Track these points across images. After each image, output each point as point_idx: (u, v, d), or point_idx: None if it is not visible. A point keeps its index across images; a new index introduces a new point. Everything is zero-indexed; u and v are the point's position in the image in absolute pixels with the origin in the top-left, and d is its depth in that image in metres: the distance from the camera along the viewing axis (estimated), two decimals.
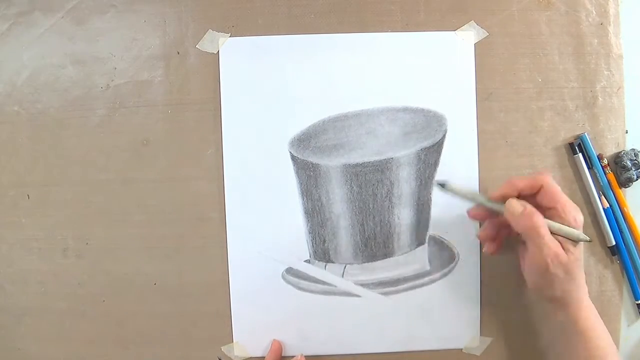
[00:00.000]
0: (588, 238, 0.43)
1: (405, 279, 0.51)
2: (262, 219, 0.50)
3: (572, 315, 0.43)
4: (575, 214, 0.43)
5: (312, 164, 0.50)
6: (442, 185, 0.47)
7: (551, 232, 0.43)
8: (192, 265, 0.50)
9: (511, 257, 0.48)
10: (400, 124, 0.50)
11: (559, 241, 0.43)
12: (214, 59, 0.50)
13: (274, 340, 0.50)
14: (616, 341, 0.51)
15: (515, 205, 0.44)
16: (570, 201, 0.44)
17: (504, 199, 0.44)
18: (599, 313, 0.44)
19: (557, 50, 0.51)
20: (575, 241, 0.43)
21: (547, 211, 0.44)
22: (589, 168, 0.50)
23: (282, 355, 0.50)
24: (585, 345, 0.43)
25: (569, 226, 0.43)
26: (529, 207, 0.43)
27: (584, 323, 0.43)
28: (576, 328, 0.43)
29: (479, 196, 0.46)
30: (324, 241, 0.51)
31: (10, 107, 0.51)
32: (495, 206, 0.45)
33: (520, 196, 0.44)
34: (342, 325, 0.51)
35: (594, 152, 0.50)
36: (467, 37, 0.50)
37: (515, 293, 0.50)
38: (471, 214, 0.47)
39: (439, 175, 0.50)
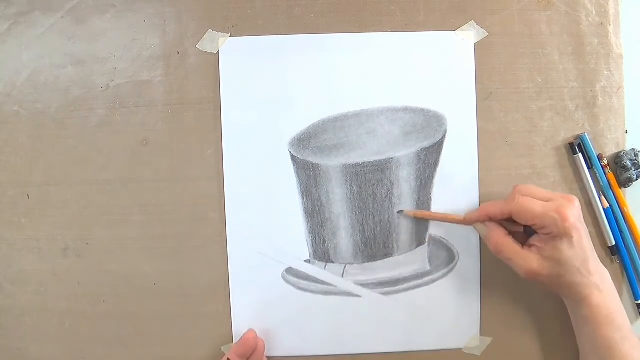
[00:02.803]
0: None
1: (405, 279, 0.51)
2: (262, 219, 0.50)
3: (577, 306, 0.44)
4: (558, 215, 0.41)
5: (312, 164, 0.50)
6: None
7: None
8: (192, 265, 0.50)
9: None
10: (400, 124, 0.50)
11: (540, 247, 0.43)
12: (214, 59, 0.50)
13: (250, 330, 0.50)
14: None
15: (480, 230, 0.46)
16: (548, 206, 0.42)
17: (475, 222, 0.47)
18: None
19: (557, 50, 0.51)
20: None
21: (527, 228, 0.44)
22: (589, 168, 0.50)
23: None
24: (596, 337, 0.42)
25: (553, 233, 0.42)
26: (491, 230, 0.45)
27: (594, 317, 0.42)
28: (584, 320, 0.43)
29: (442, 216, 0.49)
30: (324, 241, 0.51)
31: (10, 107, 0.51)
32: (460, 223, 0.48)
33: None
34: (342, 325, 0.51)
35: (594, 152, 0.50)
36: (467, 37, 0.50)
37: (515, 293, 0.51)
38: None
39: (439, 175, 0.50)
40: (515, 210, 0.43)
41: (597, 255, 0.44)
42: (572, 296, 0.43)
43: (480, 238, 0.50)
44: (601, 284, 0.43)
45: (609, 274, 0.44)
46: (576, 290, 0.43)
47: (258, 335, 0.49)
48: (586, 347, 0.45)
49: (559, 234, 0.42)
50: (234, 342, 0.50)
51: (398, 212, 0.50)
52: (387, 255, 0.51)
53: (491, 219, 0.45)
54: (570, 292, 0.43)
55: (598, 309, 0.42)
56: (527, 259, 0.43)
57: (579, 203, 0.43)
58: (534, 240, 0.44)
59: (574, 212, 0.42)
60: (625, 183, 0.50)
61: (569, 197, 0.43)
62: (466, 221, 0.47)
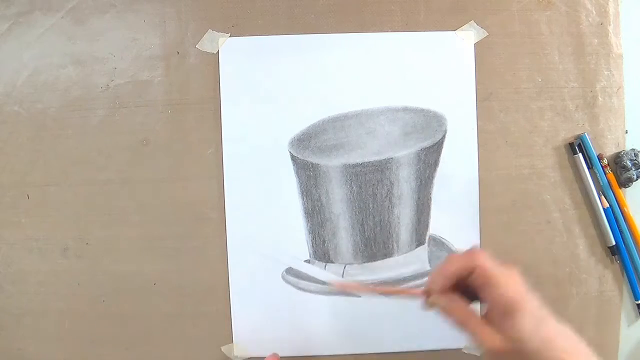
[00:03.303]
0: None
1: (405, 279, 0.51)
2: (262, 219, 0.50)
3: None
4: (514, 285, 0.37)
5: (312, 164, 0.50)
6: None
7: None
8: (192, 265, 0.50)
9: (510, 256, 0.48)
10: (400, 124, 0.50)
11: (492, 321, 0.38)
12: (214, 59, 0.50)
13: (273, 354, 0.48)
14: (616, 341, 0.51)
15: (440, 301, 0.40)
16: (503, 276, 0.38)
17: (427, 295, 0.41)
18: (599, 313, 0.43)
19: (557, 50, 0.51)
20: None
21: (482, 290, 0.38)
22: (589, 168, 0.50)
23: (282, 355, 0.50)
24: None
25: (504, 302, 0.37)
26: (455, 303, 0.39)
27: None
28: None
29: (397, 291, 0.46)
30: (324, 241, 0.51)
31: (10, 107, 0.51)
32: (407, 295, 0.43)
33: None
34: (342, 325, 0.51)
35: (594, 152, 0.50)
36: (467, 37, 0.50)
37: None
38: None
39: (440, 175, 0.50)
40: (479, 267, 0.38)
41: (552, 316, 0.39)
42: None
43: (479, 239, 0.50)
44: (565, 344, 0.38)
45: (571, 332, 0.39)
46: (542, 357, 0.37)
47: (257, 335, 0.50)
48: None
49: (511, 303, 0.37)
50: (234, 342, 0.50)
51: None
52: (387, 255, 0.51)
53: (450, 283, 0.39)
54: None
55: None
56: (491, 335, 0.38)
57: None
58: (489, 315, 0.39)
59: (521, 283, 0.38)
60: (625, 183, 0.50)
61: (510, 270, 0.39)
62: (428, 293, 0.40)
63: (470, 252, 0.39)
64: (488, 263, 0.38)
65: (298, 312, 0.51)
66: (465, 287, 0.39)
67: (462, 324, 0.39)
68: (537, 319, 0.38)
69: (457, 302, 0.40)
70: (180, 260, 0.50)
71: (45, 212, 0.51)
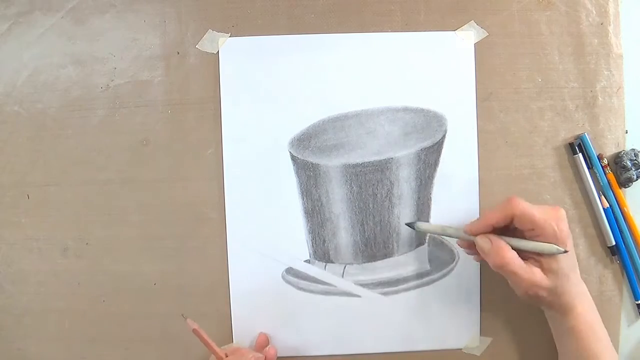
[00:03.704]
0: (562, 249, 0.41)
1: (405, 279, 0.51)
2: (262, 219, 0.50)
3: (564, 318, 0.44)
4: (556, 225, 0.41)
5: (312, 164, 0.50)
6: (412, 226, 0.48)
7: (527, 252, 0.42)
8: (192, 265, 0.50)
9: None
10: (400, 124, 0.50)
11: (537, 260, 0.42)
12: (214, 59, 0.50)
13: (261, 333, 0.50)
14: (616, 341, 0.51)
15: (482, 244, 0.43)
16: (547, 213, 0.42)
17: (476, 234, 0.44)
18: (599, 313, 0.44)
19: (557, 50, 0.51)
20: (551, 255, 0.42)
21: (527, 232, 0.43)
22: (589, 168, 0.50)
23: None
24: (578, 348, 0.43)
25: (548, 241, 0.42)
26: (496, 244, 0.42)
27: (578, 327, 0.43)
28: (569, 331, 0.43)
29: (452, 231, 0.46)
30: (324, 241, 0.51)
31: (10, 107, 0.51)
32: (467, 237, 0.45)
33: (495, 229, 0.43)
34: (342, 325, 0.51)
35: (594, 152, 0.50)
36: (467, 37, 0.50)
37: (515, 293, 0.50)
38: (458, 244, 0.48)
39: (439, 175, 0.50)
40: (518, 213, 0.42)
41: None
42: (561, 307, 0.43)
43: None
44: (583, 293, 0.44)
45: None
46: (566, 300, 0.43)
47: (257, 335, 0.50)
48: (569, 358, 0.45)
49: (555, 242, 0.41)
50: (234, 342, 0.50)
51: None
52: (387, 255, 0.51)
53: (494, 229, 0.44)
54: (560, 303, 0.43)
55: (583, 319, 0.43)
56: (531, 271, 0.42)
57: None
58: (529, 255, 0.43)
59: (565, 220, 0.43)
60: (625, 183, 0.50)
61: (557, 207, 0.43)
62: (472, 233, 0.44)
63: (508, 201, 0.43)
64: (528, 207, 0.42)
65: (298, 312, 0.51)
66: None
67: (503, 264, 0.42)
68: (573, 263, 0.43)
69: (499, 244, 0.43)
70: (180, 260, 0.50)
71: (45, 212, 0.51)
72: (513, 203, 0.42)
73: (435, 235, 0.50)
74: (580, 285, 0.44)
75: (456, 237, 0.47)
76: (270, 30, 0.50)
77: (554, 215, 0.42)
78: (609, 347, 0.43)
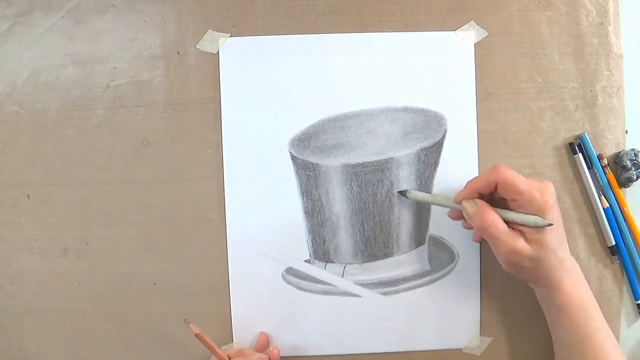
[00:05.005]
0: (547, 222, 0.41)
1: (405, 279, 0.51)
2: (262, 219, 0.50)
3: (552, 294, 0.43)
4: (540, 196, 0.41)
5: (312, 164, 0.50)
6: (404, 194, 0.48)
7: (511, 224, 0.42)
8: (192, 265, 0.50)
9: None
10: (400, 124, 0.50)
11: (521, 230, 0.42)
12: (214, 59, 0.50)
13: (261, 332, 0.50)
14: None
15: (468, 207, 0.44)
16: (532, 184, 0.42)
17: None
18: None
19: (557, 50, 0.51)
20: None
21: (511, 202, 0.43)
22: (589, 168, 0.50)
23: (282, 355, 0.50)
24: (569, 328, 0.43)
25: (533, 213, 0.41)
26: (481, 206, 0.43)
27: (568, 306, 0.42)
28: (558, 310, 0.43)
29: (442, 199, 0.47)
30: (324, 241, 0.51)
31: (10, 107, 0.51)
32: (457, 206, 0.46)
33: (482, 196, 0.44)
34: (342, 325, 0.51)
35: (594, 152, 0.50)
36: (467, 37, 0.51)
37: (515, 293, 0.50)
38: (450, 215, 0.48)
39: (439, 175, 0.50)
40: (501, 180, 0.42)
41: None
42: (547, 282, 0.43)
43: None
44: (572, 270, 0.44)
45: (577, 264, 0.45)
46: (552, 275, 0.42)
47: (257, 335, 0.50)
48: (561, 339, 0.44)
49: (540, 214, 0.41)
50: (234, 342, 0.50)
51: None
52: (387, 255, 0.51)
53: (480, 196, 0.44)
54: (546, 278, 0.43)
55: (571, 296, 0.42)
56: (514, 238, 0.41)
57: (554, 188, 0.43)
58: (514, 224, 0.43)
59: (553, 194, 0.42)
60: (625, 183, 0.50)
61: (546, 181, 0.43)
62: (458, 199, 0.45)
63: (493, 167, 0.43)
64: (512, 175, 0.42)
65: (298, 312, 0.51)
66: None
67: (485, 226, 0.42)
68: (560, 237, 0.43)
69: (483, 207, 0.43)
70: (180, 260, 0.50)
71: (45, 212, 0.51)
72: (498, 169, 0.42)
73: (428, 203, 0.50)
74: (569, 262, 0.44)
75: (446, 206, 0.47)
76: (270, 30, 0.50)
77: (539, 187, 0.42)
78: (603, 328, 0.42)
